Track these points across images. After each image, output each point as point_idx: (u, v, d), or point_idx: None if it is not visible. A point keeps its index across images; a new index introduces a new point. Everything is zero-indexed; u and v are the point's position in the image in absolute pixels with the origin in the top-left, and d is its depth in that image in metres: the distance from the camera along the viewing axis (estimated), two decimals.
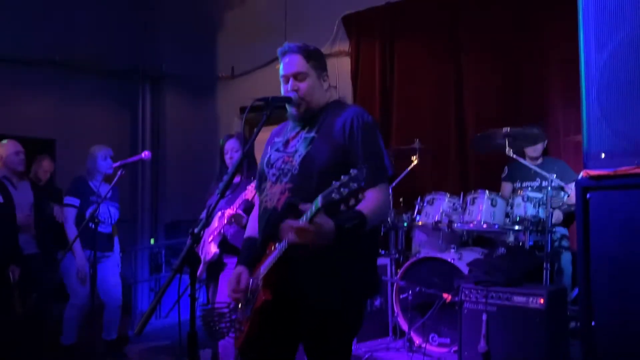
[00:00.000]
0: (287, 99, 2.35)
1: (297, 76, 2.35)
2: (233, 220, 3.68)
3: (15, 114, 6.92)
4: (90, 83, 7.64)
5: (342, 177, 1.87)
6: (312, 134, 2.31)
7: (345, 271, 2.22)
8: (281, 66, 2.40)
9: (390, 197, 2.39)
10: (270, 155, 2.43)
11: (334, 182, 1.88)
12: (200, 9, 8.08)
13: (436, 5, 5.90)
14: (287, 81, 2.37)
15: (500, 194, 4.64)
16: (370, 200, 2.14)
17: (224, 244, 3.80)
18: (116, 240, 5.29)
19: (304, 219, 1.97)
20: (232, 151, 3.98)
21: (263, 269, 2.23)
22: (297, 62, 2.35)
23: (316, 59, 2.38)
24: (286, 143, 2.39)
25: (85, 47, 7.49)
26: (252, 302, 2.27)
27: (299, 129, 2.39)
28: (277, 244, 2.16)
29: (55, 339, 5.09)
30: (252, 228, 2.50)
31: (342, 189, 1.86)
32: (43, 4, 7.16)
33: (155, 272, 7.28)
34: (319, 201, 1.91)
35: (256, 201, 2.62)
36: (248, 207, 3.83)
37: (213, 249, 3.77)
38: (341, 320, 2.25)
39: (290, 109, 2.38)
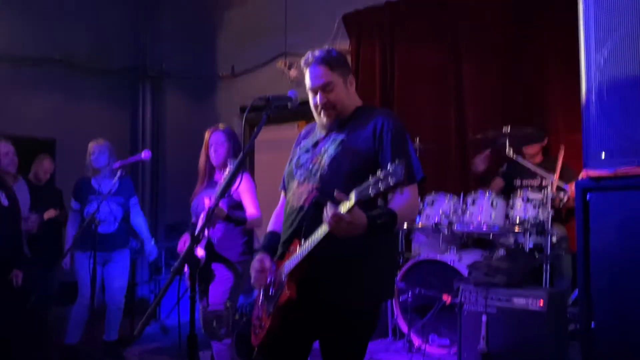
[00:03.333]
0: (288, 99, 2.36)
1: (325, 88, 2.34)
2: (213, 217, 3.55)
3: (15, 114, 6.90)
4: (91, 82, 7.62)
5: (378, 172, 1.84)
6: (342, 136, 2.33)
7: (368, 272, 2.25)
8: (307, 77, 2.39)
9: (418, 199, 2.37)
10: (299, 157, 2.46)
11: (370, 177, 1.85)
12: (200, 8, 8.07)
13: (436, 5, 5.89)
14: (315, 93, 2.38)
15: (490, 187, 4.62)
16: (402, 200, 2.19)
17: (211, 250, 3.73)
18: (143, 234, 5.26)
19: (346, 208, 1.94)
20: (216, 144, 3.84)
21: (288, 265, 2.24)
22: (323, 74, 2.34)
23: (340, 66, 2.38)
24: (315, 144, 2.42)
25: (85, 46, 7.49)
26: (275, 297, 2.29)
27: (328, 131, 2.41)
28: (302, 241, 2.18)
29: (55, 340, 5.09)
30: (274, 224, 2.55)
31: (379, 184, 1.82)
32: (43, 3, 7.15)
33: (155, 274, 7.26)
34: (353, 196, 1.89)
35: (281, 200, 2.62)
36: (232, 204, 3.76)
37: (199, 252, 3.70)
38: (360, 320, 2.27)
39: (322, 118, 2.39)
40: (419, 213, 4.78)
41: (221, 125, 3.99)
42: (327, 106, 2.35)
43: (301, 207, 2.29)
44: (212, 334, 3.71)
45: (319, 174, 2.29)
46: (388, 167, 1.83)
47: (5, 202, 4.51)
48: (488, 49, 5.52)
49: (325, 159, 2.30)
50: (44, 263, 5.33)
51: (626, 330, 2.35)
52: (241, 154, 2.31)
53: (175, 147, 8.17)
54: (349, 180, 2.13)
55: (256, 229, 3.89)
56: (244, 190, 3.78)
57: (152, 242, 5.31)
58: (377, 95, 6.22)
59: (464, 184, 5.35)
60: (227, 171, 3.42)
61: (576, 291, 4.08)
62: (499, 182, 5.05)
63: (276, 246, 2.42)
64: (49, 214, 5.47)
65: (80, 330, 4.97)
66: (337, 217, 1.94)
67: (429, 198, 4.76)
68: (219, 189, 2.24)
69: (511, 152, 4.61)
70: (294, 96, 2.36)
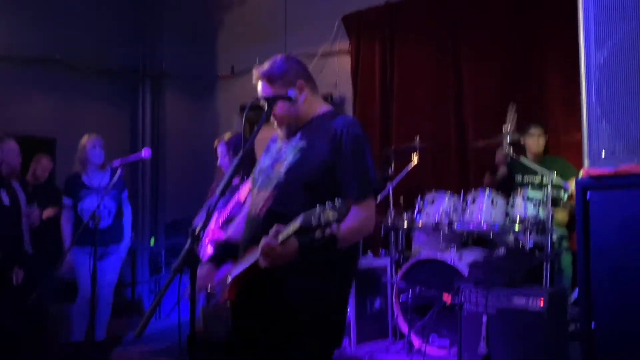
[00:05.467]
0: (287, 98, 2.34)
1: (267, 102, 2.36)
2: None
3: (15, 113, 6.90)
4: (91, 82, 7.62)
5: (327, 203, 1.88)
6: (302, 143, 2.30)
7: (312, 285, 2.19)
8: None
9: (374, 211, 2.33)
10: (262, 161, 2.45)
11: (318, 206, 1.88)
12: (200, 8, 8.08)
13: (436, 5, 5.92)
14: None
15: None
16: (349, 219, 2.11)
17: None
18: (125, 229, 5.22)
19: (280, 238, 1.99)
20: (221, 156, 4.05)
21: (236, 270, 2.25)
22: (263, 89, 2.37)
23: (280, 78, 2.35)
24: (279, 150, 2.40)
25: (85, 46, 7.49)
26: (215, 296, 2.32)
27: (288, 137, 2.40)
28: (255, 249, 2.16)
29: (59, 337, 5.07)
30: (234, 231, 2.54)
31: (321, 217, 1.86)
32: (43, 3, 7.16)
33: (155, 273, 7.26)
34: (298, 221, 1.92)
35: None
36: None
37: (209, 250, 3.77)
38: (305, 333, 2.21)
39: (278, 131, 2.41)
40: (419, 212, 4.79)
41: (226, 136, 4.14)
42: (274, 119, 2.36)
43: (257, 215, 2.29)
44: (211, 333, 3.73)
45: (275, 182, 2.27)
46: (335, 201, 1.87)
47: (7, 201, 4.53)
48: (488, 48, 5.55)
49: (284, 166, 2.28)
50: (44, 261, 5.34)
51: (627, 330, 2.33)
52: (240, 152, 2.31)
53: (175, 146, 8.19)
54: (305, 190, 2.14)
55: None
56: None
57: (128, 242, 5.27)
58: (377, 95, 6.24)
59: (463, 183, 5.35)
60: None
61: (576, 290, 4.08)
62: (502, 171, 5.03)
63: (223, 254, 2.44)
64: (48, 212, 5.48)
65: (84, 327, 4.94)
66: (268, 248, 2.00)
67: (429, 196, 4.76)
68: (220, 187, 2.24)
69: (511, 150, 4.60)
70: (293, 95, 2.35)
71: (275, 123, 2.39)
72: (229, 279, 2.26)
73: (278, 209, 2.16)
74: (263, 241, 2.01)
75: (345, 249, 2.17)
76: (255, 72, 2.38)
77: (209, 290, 2.36)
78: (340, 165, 2.21)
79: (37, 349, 5.05)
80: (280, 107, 2.33)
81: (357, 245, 2.37)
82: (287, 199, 2.15)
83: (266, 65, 2.37)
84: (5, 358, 4.60)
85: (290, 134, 2.37)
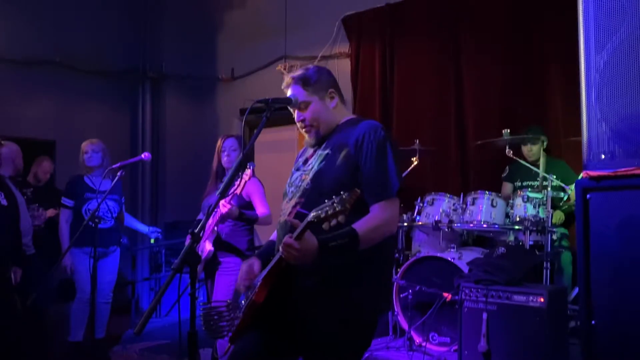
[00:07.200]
0: (288, 101, 2.40)
1: (300, 106, 2.41)
2: (226, 217, 3.76)
3: (15, 114, 6.90)
4: (90, 83, 7.62)
5: (333, 197, 1.94)
6: (327, 151, 2.37)
7: (343, 287, 2.22)
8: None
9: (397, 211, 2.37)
10: (292, 175, 2.51)
11: (326, 201, 1.96)
12: (201, 9, 8.08)
13: (436, 6, 5.90)
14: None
15: (500, 193, 4.67)
16: (370, 218, 2.19)
17: (218, 242, 3.85)
18: (139, 227, 5.47)
19: (294, 233, 2.04)
20: (229, 149, 4.04)
21: (264, 270, 2.29)
22: (297, 93, 2.42)
23: (314, 83, 2.42)
24: (305, 161, 2.47)
25: (85, 47, 7.50)
26: (249, 298, 2.33)
27: (317, 147, 2.46)
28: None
29: (59, 337, 5.08)
30: (275, 235, 2.59)
31: (328, 209, 1.93)
32: (43, 4, 7.16)
33: (156, 272, 7.28)
34: (309, 216, 1.99)
35: None
36: (242, 203, 3.87)
37: (207, 246, 3.82)
38: (335, 336, 2.22)
39: (307, 137, 2.47)
40: (419, 212, 4.82)
41: (233, 132, 4.17)
42: (304, 123, 2.43)
43: (285, 222, 2.34)
44: (212, 331, 3.75)
45: (302, 190, 2.34)
46: (341, 193, 1.92)
47: (5, 202, 4.54)
48: (488, 49, 5.54)
49: (310, 175, 2.35)
50: (43, 261, 5.35)
51: (626, 327, 2.35)
52: (240, 154, 2.35)
53: (175, 148, 8.19)
54: (332, 193, 2.13)
55: (263, 225, 4.07)
56: (253, 192, 3.95)
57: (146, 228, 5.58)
58: (376, 97, 6.23)
59: (463, 186, 5.35)
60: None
61: (576, 288, 4.12)
62: (507, 187, 5.08)
63: (268, 252, 2.47)
64: (50, 213, 5.51)
65: (83, 327, 4.97)
66: (286, 245, 2.03)
67: (429, 197, 4.80)
68: (220, 187, 2.29)
69: (511, 153, 4.64)
70: (294, 98, 2.40)
71: (304, 129, 2.44)
72: (260, 280, 2.29)
73: (305, 213, 2.18)
74: (283, 239, 2.05)
75: (372, 250, 2.18)
76: (288, 78, 2.44)
77: (248, 293, 2.38)
78: (362, 168, 2.25)
79: (37, 349, 5.06)
80: (311, 111, 2.40)
81: (387, 248, 2.37)
82: (314, 203, 2.15)
83: (300, 71, 2.44)
84: (4, 358, 4.61)
85: (316, 144, 2.44)
